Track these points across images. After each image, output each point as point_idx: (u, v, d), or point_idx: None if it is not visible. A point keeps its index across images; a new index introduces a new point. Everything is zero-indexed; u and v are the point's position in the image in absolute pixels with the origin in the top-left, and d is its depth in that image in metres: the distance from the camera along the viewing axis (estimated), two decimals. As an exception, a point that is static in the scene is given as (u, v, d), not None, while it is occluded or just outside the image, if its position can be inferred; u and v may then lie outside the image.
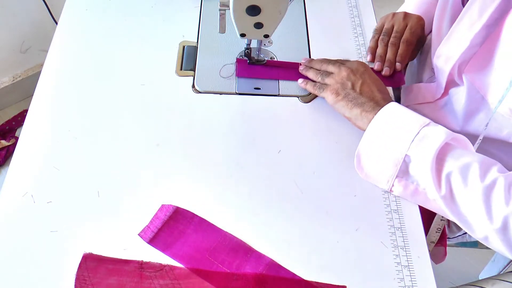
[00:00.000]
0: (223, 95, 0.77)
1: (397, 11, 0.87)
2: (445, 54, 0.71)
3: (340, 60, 0.76)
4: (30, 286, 0.57)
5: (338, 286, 0.59)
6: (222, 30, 0.75)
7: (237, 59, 0.81)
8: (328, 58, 0.78)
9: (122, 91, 0.76)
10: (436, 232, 0.71)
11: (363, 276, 0.60)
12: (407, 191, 0.65)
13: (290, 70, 0.80)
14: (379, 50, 0.81)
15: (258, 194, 0.66)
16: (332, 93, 0.71)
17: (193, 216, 0.63)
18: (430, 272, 0.60)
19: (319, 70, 0.76)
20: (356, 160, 0.67)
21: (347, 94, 0.70)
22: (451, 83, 0.75)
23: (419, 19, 0.83)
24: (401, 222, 0.65)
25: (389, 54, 0.80)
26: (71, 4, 0.89)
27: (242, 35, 0.73)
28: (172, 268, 0.59)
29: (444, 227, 0.79)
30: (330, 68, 0.74)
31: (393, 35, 0.81)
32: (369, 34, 0.87)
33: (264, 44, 0.84)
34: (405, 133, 0.62)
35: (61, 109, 0.74)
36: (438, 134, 0.61)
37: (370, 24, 0.89)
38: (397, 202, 0.66)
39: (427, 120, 0.63)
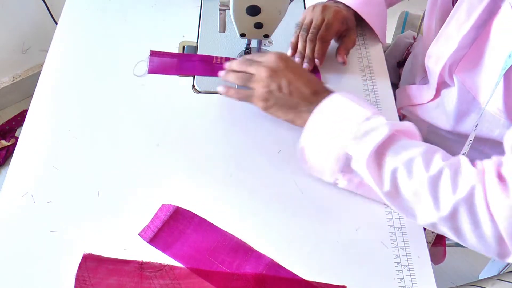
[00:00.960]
0: (223, 95, 0.77)
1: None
2: (435, 54, 0.71)
3: (258, 55, 0.70)
4: (30, 286, 0.57)
5: (338, 286, 0.59)
6: (222, 30, 0.75)
7: (151, 51, 0.79)
8: (247, 57, 0.72)
9: (122, 91, 0.76)
10: (432, 232, 0.70)
11: (363, 276, 0.60)
12: (351, 185, 0.64)
13: (206, 64, 0.79)
14: (299, 46, 0.79)
15: (258, 194, 0.66)
16: (261, 100, 0.67)
17: (193, 216, 0.63)
18: (430, 272, 0.61)
19: (239, 72, 0.70)
20: (299, 153, 0.65)
21: (277, 98, 0.66)
22: (442, 84, 0.74)
23: (336, 12, 0.80)
24: (401, 222, 0.65)
25: (307, 51, 0.78)
26: (71, 4, 0.89)
27: (242, 35, 0.73)
28: (172, 268, 0.59)
29: None
30: (250, 69, 0.68)
31: (310, 30, 0.78)
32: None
33: (264, 44, 0.84)
34: (343, 131, 0.60)
35: (61, 109, 0.74)
36: (378, 130, 0.58)
37: (370, 24, 0.89)
38: (397, 202, 0.66)
39: (368, 113, 0.60)
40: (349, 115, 0.61)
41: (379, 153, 0.58)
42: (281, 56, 0.67)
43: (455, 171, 0.55)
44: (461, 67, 0.68)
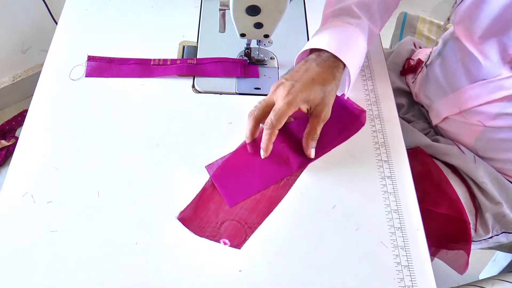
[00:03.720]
0: (223, 95, 0.77)
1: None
2: None
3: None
4: (30, 286, 0.57)
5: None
6: (222, 30, 0.75)
7: (88, 56, 0.79)
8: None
9: (122, 91, 0.76)
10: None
11: (363, 276, 0.60)
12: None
13: (143, 66, 0.79)
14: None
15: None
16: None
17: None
18: (430, 272, 0.61)
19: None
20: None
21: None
22: None
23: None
24: (401, 222, 0.65)
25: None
26: (71, 4, 0.89)
27: (242, 35, 0.73)
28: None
29: (469, 228, 0.78)
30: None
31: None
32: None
33: (264, 44, 0.84)
34: None
35: (61, 109, 0.74)
36: None
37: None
38: (397, 202, 0.66)
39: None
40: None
41: None
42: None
43: None
44: None
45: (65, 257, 0.59)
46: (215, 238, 0.62)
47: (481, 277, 1.20)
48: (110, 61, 0.80)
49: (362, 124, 0.73)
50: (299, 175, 0.68)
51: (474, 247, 0.89)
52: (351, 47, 0.70)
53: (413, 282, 0.60)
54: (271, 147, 0.67)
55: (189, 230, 0.62)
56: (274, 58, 0.83)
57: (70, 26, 0.85)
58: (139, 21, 0.87)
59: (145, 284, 0.58)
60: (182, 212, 0.63)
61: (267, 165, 0.68)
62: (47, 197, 0.64)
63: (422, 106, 0.91)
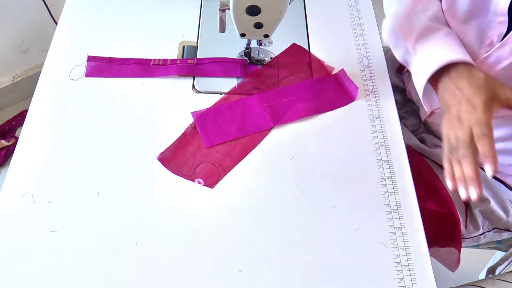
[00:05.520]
0: (223, 95, 0.77)
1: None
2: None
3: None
4: (30, 286, 0.57)
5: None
6: (222, 30, 0.75)
7: (88, 56, 0.80)
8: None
9: (122, 91, 0.76)
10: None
11: (363, 276, 0.60)
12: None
13: (143, 66, 0.79)
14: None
15: (258, 193, 0.66)
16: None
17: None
18: (430, 272, 0.61)
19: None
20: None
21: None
22: None
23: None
24: (401, 222, 0.65)
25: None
26: (71, 4, 0.89)
27: (242, 35, 0.73)
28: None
29: (460, 225, 0.77)
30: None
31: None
32: (369, 34, 0.87)
33: (264, 44, 0.84)
34: None
35: (61, 109, 0.74)
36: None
37: (370, 24, 0.89)
38: (397, 202, 0.66)
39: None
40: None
41: None
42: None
43: None
44: None
45: (65, 257, 0.59)
46: (190, 177, 0.67)
47: (481, 277, 1.20)
48: (110, 61, 0.80)
49: (352, 99, 0.78)
50: (270, 130, 0.73)
51: (468, 245, 0.89)
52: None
53: (413, 282, 0.59)
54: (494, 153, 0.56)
55: (167, 169, 0.67)
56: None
57: (70, 26, 0.85)
58: (139, 21, 0.87)
59: (145, 284, 0.58)
60: (162, 153, 0.68)
61: (247, 117, 0.74)
62: (47, 197, 0.64)
63: (415, 103, 0.92)
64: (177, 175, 0.67)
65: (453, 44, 0.68)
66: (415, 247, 0.62)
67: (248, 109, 0.74)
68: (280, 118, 0.74)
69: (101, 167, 0.68)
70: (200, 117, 0.73)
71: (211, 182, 0.67)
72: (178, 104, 0.75)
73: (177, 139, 0.70)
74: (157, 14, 0.89)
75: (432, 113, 0.83)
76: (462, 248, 0.83)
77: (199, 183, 0.66)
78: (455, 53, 0.65)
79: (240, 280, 0.59)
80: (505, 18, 0.64)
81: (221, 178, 0.67)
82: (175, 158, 0.68)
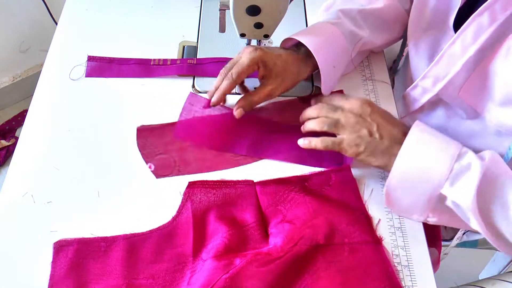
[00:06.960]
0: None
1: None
2: (434, 75, 0.68)
3: (336, 99, 0.67)
4: (30, 286, 0.57)
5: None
6: (222, 30, 0.75)
7: (88, 56, 0.80)
8: (323, 100, 0.69)
9: (122, 91, 0.76)
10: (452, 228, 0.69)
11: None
12: (442, 219, 0.63)
13: (143, 66, 0.79)
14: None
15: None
16: (352, 146, 0.63)
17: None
18: (430, 272, 0.61)
19: (319, 118, 0.66)
20: (386, 199, 0.63)
21: (368, 143, 0.62)
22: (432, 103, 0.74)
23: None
24: (401, 222, 0.65)
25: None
26: (71, 4, 0.89)
27: (242, 35, 0.73)
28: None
29: (439, 227, 0.78)
30: (335, 115, 0.65)
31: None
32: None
33: (264, 44, 0.84)
34: (436, 172, 0.58)
35: (61, 109, 0.74)
36: (473, 169, 0.56)
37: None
38: (397, 202, 0.66)
39: (456, 150, 0.59)
40: (438, 154, 0.59)
41: (479, 199, 0.56)
42: (366, 101, 0.65)
43: None
44: (466, 88, 0.65)
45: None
46: (147, 159, 0.68)
47: (481, 277, 1.20)
48: (110, 61, 0.80)
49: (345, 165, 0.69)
50: (247, 163, 0.69)
51: (453, 244, 0.89)
52: (313, 31, 0.73)
53: (413, 282, 0.59)
54: (223, 98, 0.69)
55: (137, 142, 0.69)
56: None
57: (70, 26, 0.85)
58: (139, 21, 0.87)
59: (145, 284, 0.58)
60: (144, 126, 0.71)
61: (227, 135, 0.71)
62: (47, 197, 0.64)
63: None
64: (139, 150, 0.69)
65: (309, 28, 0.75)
66: (415, 247, 0.62)
67: (232, 127, 0.71)
68: (258, 151, 0.70)
69: (101, 167, 0.68)
70: (187, 111, 0.72)
71: (159, 173, 0.67)
72: (178, 104, 0.75)
73: (165, 124, 0.72)
74: (157, 14, 0.89)
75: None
76: (461, 249, 0.84)
77: (150, 167, 0.67)
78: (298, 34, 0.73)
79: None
80: (452, 33, 0.65)
81: (171, 175, 0.66)
82: (148, 136, 0.70)
